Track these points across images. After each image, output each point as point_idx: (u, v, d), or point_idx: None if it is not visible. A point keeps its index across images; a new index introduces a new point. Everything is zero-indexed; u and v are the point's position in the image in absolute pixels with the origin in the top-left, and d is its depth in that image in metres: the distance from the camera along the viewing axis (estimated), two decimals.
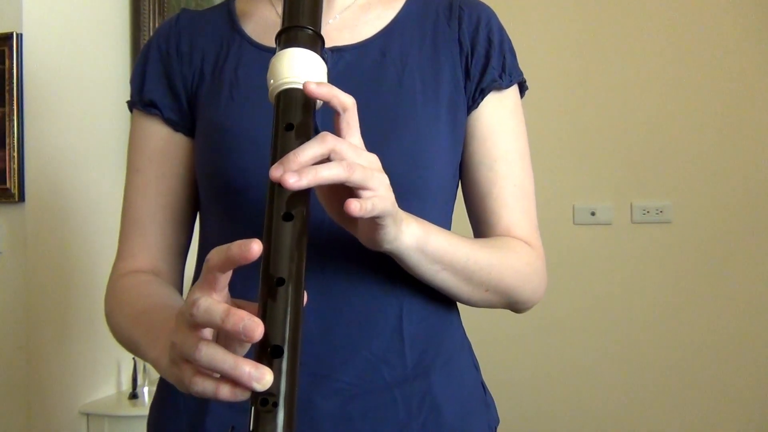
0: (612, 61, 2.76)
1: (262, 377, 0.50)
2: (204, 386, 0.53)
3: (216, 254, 0.53)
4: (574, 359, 2.76)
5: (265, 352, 0.51)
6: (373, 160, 0.62)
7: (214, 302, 0.52)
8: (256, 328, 0.49)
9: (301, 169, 0.55)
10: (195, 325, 0.54)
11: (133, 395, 2.22)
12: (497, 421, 0.89)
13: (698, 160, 2.68)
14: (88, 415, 2.14)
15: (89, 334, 2.17)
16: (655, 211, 2.70)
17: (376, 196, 0.61)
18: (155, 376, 2.32)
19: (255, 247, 0.51)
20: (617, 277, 2.74)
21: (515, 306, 0.87)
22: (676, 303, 2.68)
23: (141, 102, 0.89)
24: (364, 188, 0.60)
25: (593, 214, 2.76)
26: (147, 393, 2.23)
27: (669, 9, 2.73)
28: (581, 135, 2.78)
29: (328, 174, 0.56)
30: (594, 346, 2.75)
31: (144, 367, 2.26)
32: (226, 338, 0.56)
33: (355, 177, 0.58)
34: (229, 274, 0.54)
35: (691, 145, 2.68)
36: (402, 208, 0.69)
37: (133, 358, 2.24)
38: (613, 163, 2.75)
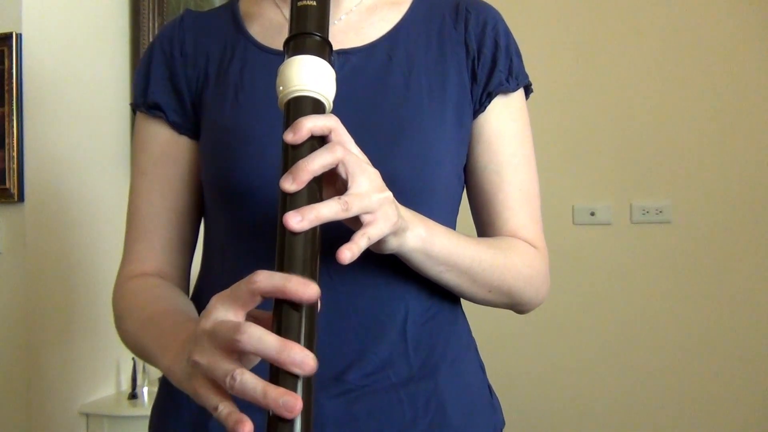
0: (611, 61, 2.77)
1: (294, 408, 0.50)
2: (230, 413, 0.53)
3: (267, 280, 0.53)
4: (573, 359, 2.76)
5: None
6: (374, 177, 0.64)
7: (266, 333, 0.52)
8: (310, 362, 0.51)
9: (303, 210, 0.57)
10: (235, 350, 0.53)
11: (133, 395, 2.21)
12: (503, 424, 0.90)
13: (698, 160, 2.68)
14: (87, 415, 2.14)
15: (89, 334, 2.16)
16: (655, 211, 2.71)
17: (372, 223, 0.63)
18: (155, 376, 2.32)
19: (315, 292, 0.52)
20: (617, 277, 2.74)
21: (517, 307, 0.87)
22: (676, 303, 2.69)
23: (145, 104, 0.89)
24: (367, 212, 0.62)
25: (593, 214, 2.76)
26: (146, 393, 2.22)
27: (669, 9, 2.73)
28: (581, 135, 2.79)
29: (328, 212, 0.58)
30: (593, 345, 2.75)
31: (143, 367, 2.25)
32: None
33: (351, 212, 0.60)
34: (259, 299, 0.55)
35: (691, 145, 2.69)
36: None
37: (133, 358, 2.23)
38: (612, 163, 2.75)
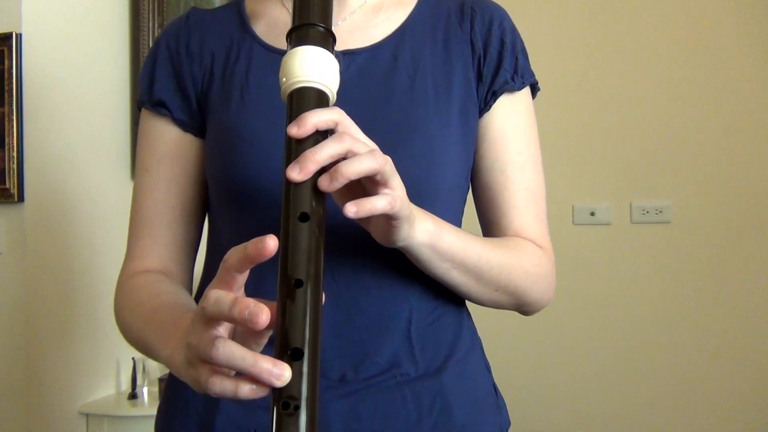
0: (612, 62, 2.77)
1: (281, 374, 0.49)
2: (222, 386, 0.52)
3: (233, 254, 0.53)
4: (574, 358, 2.77)
5: (285, 355, 0.51)
6: (387, 161, 0.63)
7: (224, 293, 0.52)
8: (260, 313, 0.49)
9: (333, 170, 0.56)
10: (207, 319, 0.53)
11: (133, 395, 2.21)
12: (508, 424, 0.89)
13: (698, 160, 2.68)
14: (87, 415, 2.14)
15: (89, 334, 2.16)
16: (655, 211, 2.71)
17: (395, 195, 0.62)
18: (154, 376, 2.32)
19: (271, 243, 0.51)
20: (617, 277, 2.74)
21: (524, 307, 0.87)
22: (676, 303, 2.69)
23: (150, 102, 0.88)
24: (386, 185, 0.61)
25: (593, 214, 2.77)
26: (146, 393, 2.22)
27: (669, 9, 2.73)
28: (581, 135, 2.79)
29: (359, 168, 0.58)
30: (593, 346, 2.75)
31: (143, 367, 2.25)
32: (242, 337, 0.55)
33: (385, 171, 0.60)
34: (246, 274, 0.54)
35: (691, 145, 2.69)
36: None
37: (133, 358, 2.23)
38: (612, 163, 2.75)
